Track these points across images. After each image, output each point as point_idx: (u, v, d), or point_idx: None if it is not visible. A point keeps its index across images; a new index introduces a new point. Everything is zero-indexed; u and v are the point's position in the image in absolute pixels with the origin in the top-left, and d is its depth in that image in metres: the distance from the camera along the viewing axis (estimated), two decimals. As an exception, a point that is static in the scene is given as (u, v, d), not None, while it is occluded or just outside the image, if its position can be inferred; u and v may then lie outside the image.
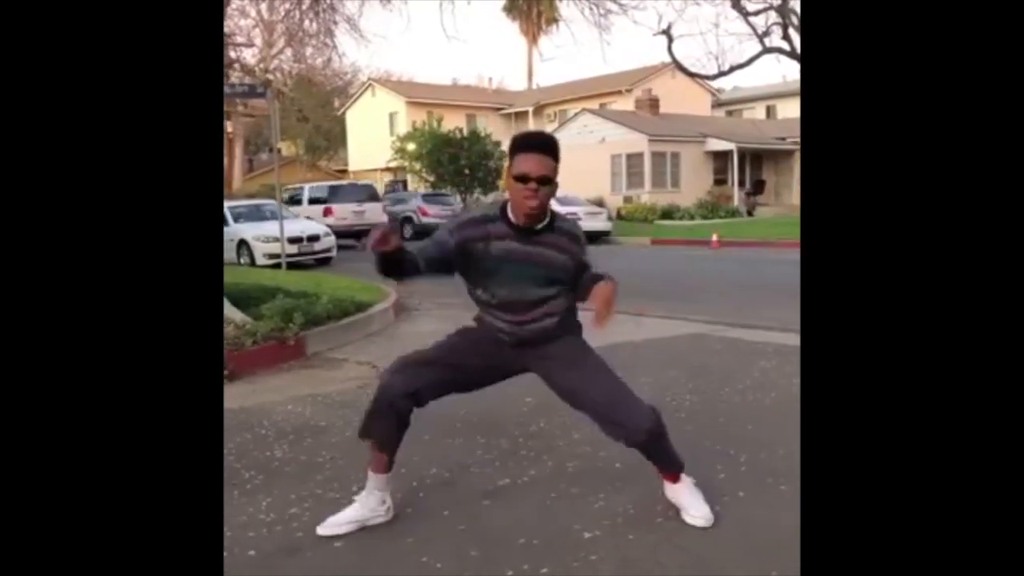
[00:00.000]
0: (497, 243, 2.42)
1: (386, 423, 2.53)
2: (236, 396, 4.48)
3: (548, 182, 2.36)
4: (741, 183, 27.09)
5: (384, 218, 18.17)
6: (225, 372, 4.84)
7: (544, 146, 2.39)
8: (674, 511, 2.66)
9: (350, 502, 2.70)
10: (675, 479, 2.67)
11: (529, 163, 2.34)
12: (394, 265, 2.28)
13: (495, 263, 2.43)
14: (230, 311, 5.88)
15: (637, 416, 2.48)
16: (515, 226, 2.42)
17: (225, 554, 2.47)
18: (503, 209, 2.45)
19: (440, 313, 7.28)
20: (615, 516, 2.67)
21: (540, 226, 2.45)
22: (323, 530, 2.58)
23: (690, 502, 2.62)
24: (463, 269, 2.49)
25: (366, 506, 2.63)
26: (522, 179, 2.33)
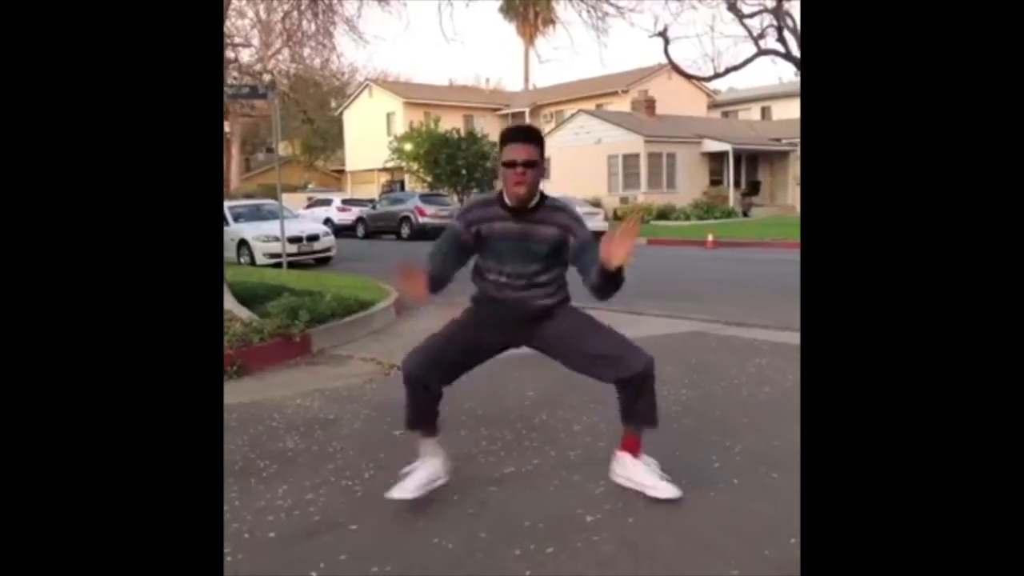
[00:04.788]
0: (498, 223, 2.74)
1: (424, 404, 2.79)
2: (246, 391, 4.61)
3: (533, 165, 2.66)
4: (737, 184, 27.26)
5: None
6: (234, 368, 4.97)
7: (528, 136, 2.73)
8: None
9: (378, 484, 2.85)
10: (636, 451, 2.81)
11: (516, 151, 2.66)
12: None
13: (498, 242, 2.75)
14: (237, 309, 6.00)
15: (633, 353, 2.75)
16: (509, 208, 2.73)
17: (247, 536, 2.61)
18: (499, 195, 2.77)
19: (441, 312, 7.39)
20: (615, 501, 2.81)
21: (531, 205, 2.74)
22: (396, 494, 2.77)
23: (651, 481, 2.79)
24: (477, 249, 2.78)
25: (430, 469, 2.85)
26: (511, 164, 2.65)
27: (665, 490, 2.76)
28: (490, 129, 30.90)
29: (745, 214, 25.82)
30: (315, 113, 35.78)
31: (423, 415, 2.82)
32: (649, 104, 29.05)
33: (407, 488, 2.79)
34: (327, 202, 25.73)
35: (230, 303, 5.97)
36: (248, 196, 23.73)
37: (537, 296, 2.79)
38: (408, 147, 27.46)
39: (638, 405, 2.77)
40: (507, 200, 2.72)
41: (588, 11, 10.75)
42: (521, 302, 2.79)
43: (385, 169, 32.93)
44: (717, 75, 17.66)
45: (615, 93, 31.89)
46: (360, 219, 23.23)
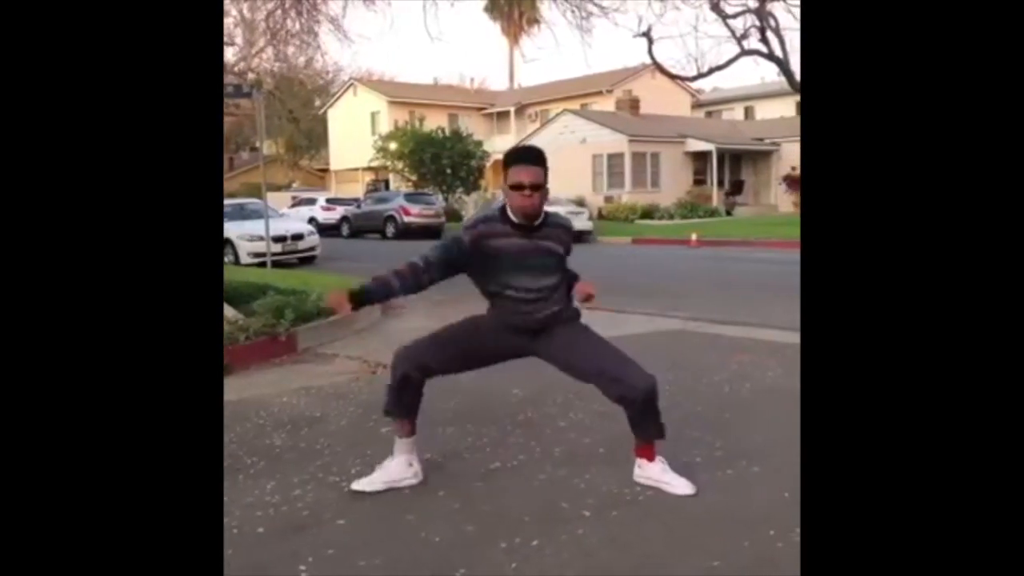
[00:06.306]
0: (504, 240, 2.79)
1: (403, 394, 2.92)
2: (232, 389, 4.62)
3: (540, 187, 2.78)
4: (720, 183, 27.43)
5: None
6: (220, 366, 4.98)
7: (534, 158, 2.83)
8: (653, 491, 2.87)
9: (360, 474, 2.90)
10: (651, 456, 2.92)
11: (522, 173, 2.76)
12: (379, 299, 2.87)
13: (511, 258, 2.80)
14: (223, 307, 6.01)
15: (637, 374, 2.81)
16: (516, 225, 2.81)
17: (235, 531, 2.64)
18: (503, 212, 2.82)
19: (427, 311, 7.42)
20: (600, 495, 2.86)
21: (537, 223, 2.84)
22: (356, 486, 2.93)
23: (669, 477, 2.90)
24: (476, 265, 2.83)
25: (395, 470, 2.98)
26: (518, 187, 2.75)
27: (681, 486, 2.86)
28: (475, 128, 30.92)
29: (728, 213, 25.99)
30: (299, 112, 35.65)
31: (399, 401, 2.94)
32: (633, 104, 29.18)
33: (363, 483, 2.95)
34: (312, 201, 25.66)
35: (216, 302, 5.98)
36: (231, 195, 23.57)
37: (548, 306, 2.87)
38: (393, 146, 27.44)
39: (643, 423, 2.87)
40: (513, 218, 2.80)
41: (572, 11, 10.79)
42: (535, 312, 2.86)
43: (370, 168, 32.87)
44: (701, 75, 17.84)
45: (599, 93, 32.00)
46: (345, 218, 23.20)
